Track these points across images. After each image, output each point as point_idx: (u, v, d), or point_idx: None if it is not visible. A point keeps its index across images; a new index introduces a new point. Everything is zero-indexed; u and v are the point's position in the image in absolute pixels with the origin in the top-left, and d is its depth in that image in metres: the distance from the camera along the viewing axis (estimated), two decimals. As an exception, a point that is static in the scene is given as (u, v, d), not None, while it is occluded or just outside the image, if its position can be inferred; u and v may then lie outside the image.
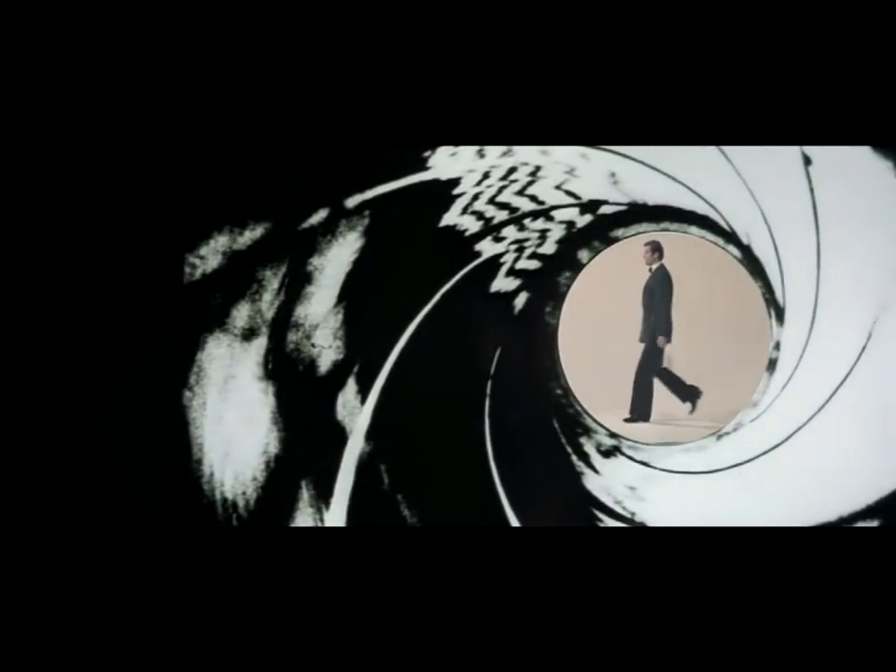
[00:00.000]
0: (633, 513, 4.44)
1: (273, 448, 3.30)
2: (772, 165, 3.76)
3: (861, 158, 3.23)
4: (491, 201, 4.14)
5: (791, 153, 3.59)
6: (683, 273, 7.69)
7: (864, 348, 3.68)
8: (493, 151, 3.76)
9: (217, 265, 3.06)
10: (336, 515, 3.48)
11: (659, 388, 7.76)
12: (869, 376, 3.69)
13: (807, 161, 3.60)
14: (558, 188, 4.40)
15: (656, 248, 7.60)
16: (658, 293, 7.52)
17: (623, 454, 5.18)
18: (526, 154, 3.92)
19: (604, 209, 4.87)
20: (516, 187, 4.19)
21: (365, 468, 3.63)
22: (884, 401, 3.59)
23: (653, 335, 7.59)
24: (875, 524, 3.46)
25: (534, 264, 5.00)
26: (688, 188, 4.48)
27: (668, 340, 7.50)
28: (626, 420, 7.50)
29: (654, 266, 7.64)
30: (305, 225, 3.28)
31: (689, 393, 7.63)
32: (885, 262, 3.52)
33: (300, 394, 3.42)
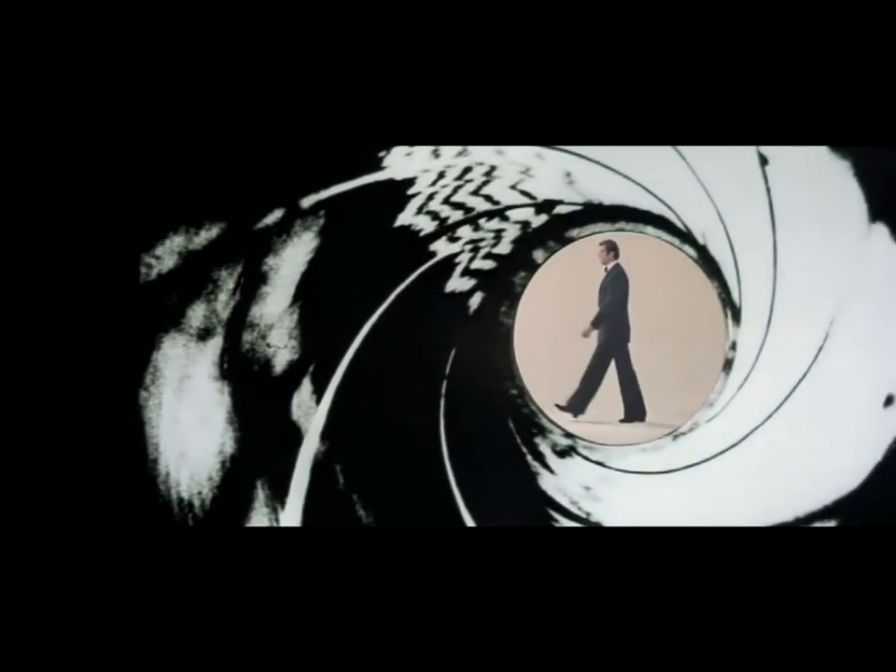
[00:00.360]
0: (588, 513, 4.43)
1: (229, 448, 3.31)
2: (728, 165, 3.78)
3: (817, 158, 3.30)
4: (446, 201, 4.14)
5: (748, 153, 3.62)
6: (639, 273, 7.72)
7: (821, 348, 3.72)
8: (448, 151, 3.76)
9: (173, 265, 3.07)
10: (291, 515, 3.49)
11: (611, 384, 7.77)
12: (825, 377, 3.73)
13: (764, 160, 3.64)
14: (513, 188, 4.39)
15: (611, 248, 7.60)
16: (612, 292, 7.52)
17: (578, 454, 5.16)
18: (481, 154, 3.92)
19: (559, 209, 4.84)
20: (471, 187, 4.19)
21: (320, 468, 3.64)
22: (840, 402, 3.64)
23: (611, 335, 7.60)
24: (832, 524, 3.51)
25: (489, 264, 4.97)
26: (643, 188, 4.49)
27: (594, 329, 7.54)
28: (622, 421, 7.57)
29: (610, 265, 7.65)
30: (260, 225, 3.29)
31: (636, 408, 7.63)
32: (842, 262, 3.58)
33: (255, 394, 3.43)
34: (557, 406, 7.43)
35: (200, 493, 3.23)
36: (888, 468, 3.39)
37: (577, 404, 7.61)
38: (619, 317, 7.51)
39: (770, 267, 4.03)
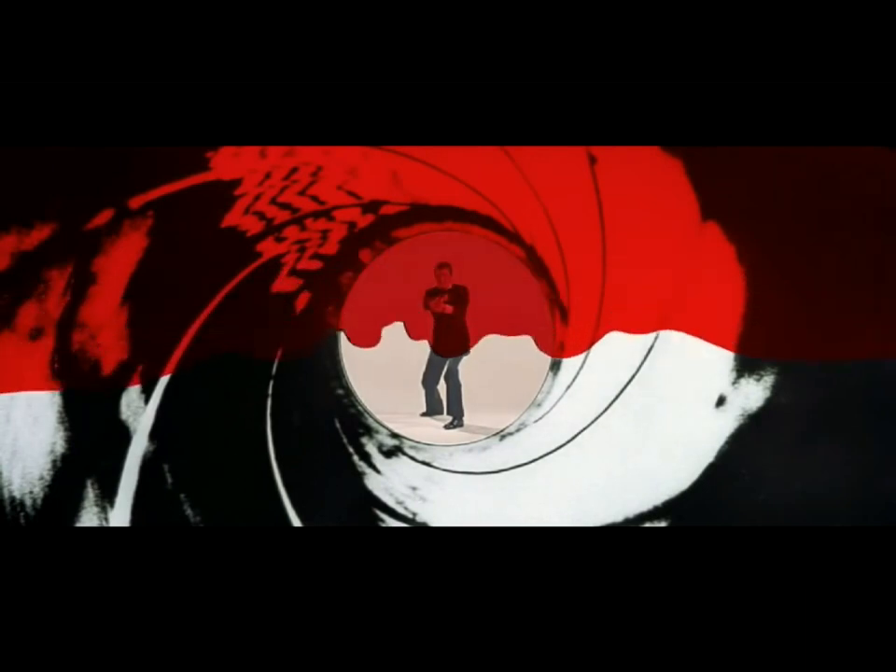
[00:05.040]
0: (415, 513, 4.53)
1: (60, 447, 3.45)
2: (556, 165, 3.98)
3: (648, 157, 3.52)
4: (273, 201, 4.28)
5: (576, 153, 3.83)
6: (466, 272, 7.76)
7: (651, 348, 3.98)
8: (275, 151, 3.92)
9: (4, 266, 3.22)
10: (121, 514, 3.62)
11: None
12: (656, 377, 3.98)
13: (593, 160, 3.86)
14: (340, 188, 4.56)
15: (444, 265, 7.41)
16: (459, 310, 7.42)
17: (404, 454, 5.27)
18: (308, 154, 4.09)
19: (386, 209, 5.02)
20: (298, 187, 4.34)
21: (148, 467, 3.77)
22: (671, 402, 3.88)
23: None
24: (662, 524, 3.72)
25: (316, 264, 5.12)
26: (471, 187, 4.66)
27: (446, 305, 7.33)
28: (447, 427, 7.50)
29: (451, 286, 7.46)
30: (90, 226, 3.42)
31: (457, 416, 7.61)
32: (672, 262, 3.82)
33: (85, 393, 3.54)
34: (421, 415, 7.64)
35: (31, 492, 3.37)
36: (719, 468, 3.63)
37: (433, 408, 7.77)
38: (460, 330, 7.47)
39: (599, 267, 4.28)
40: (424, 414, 7.74)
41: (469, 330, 7.48)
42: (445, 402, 7.70)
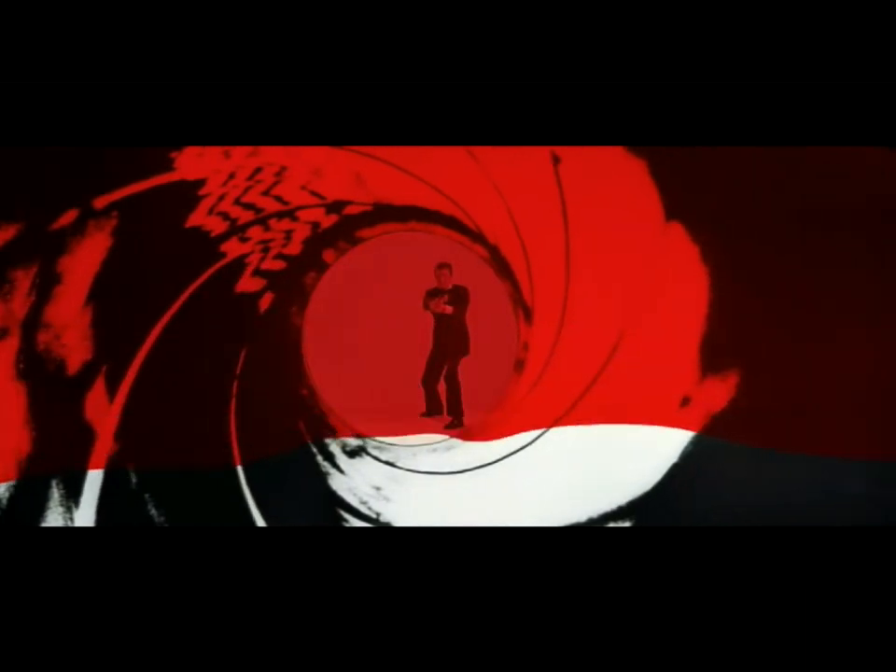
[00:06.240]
0: (378, 513, 4.58)
1: (25, 447, 3.46)
2: (520, 165, 4.03)
3: (612, 157, 3.55)
4: (237, 201, 4.32)
5: (540, 153, 3.87)
6: (429, 273, 7.79)
7: (615, 348, 4.03)
8: (239, 152, 3.96)
9: None
10: (86, 515, 3.65)
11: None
12: (620, 377, 4.03)
13: (557, 160, 3.90)
14: (303, 188, 4.62)
15: (444, 265, 7.34)
16: (459, 311, 7.41)
17: (368, 454, 5.34)
18: (272, 154, 4.13)
19: (349, 209, 5.09)
20: (262, 187, 4.39)
21: (113, 467, 3.79)
22: (635, 402, 3.93)
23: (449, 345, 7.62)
24: (627, 524, 3.77)
25: (279, 265, 5.15)
26: (434, 188, 4.75)
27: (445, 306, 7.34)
28: (447, 427, 7.39)
29: (451, 286, 7.42)
30: (55, 226, 3.44)
31: (457, 416, 7.60)
32: (636, 262, 3.87)
33: (50, 394, 3.56)
34: (421, 415, 7.64)
35: None
36: (684, 468, 3.68)
37: (433, 408, 7.79)
38: (459, 331, 7.61)
39: (563, 267, 4.33)
40: (424, 415, 7.75)
41: (469, 331, 7.51)
42: (445, 403, 7.74)
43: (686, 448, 3.70)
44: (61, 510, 3.60)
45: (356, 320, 8.54)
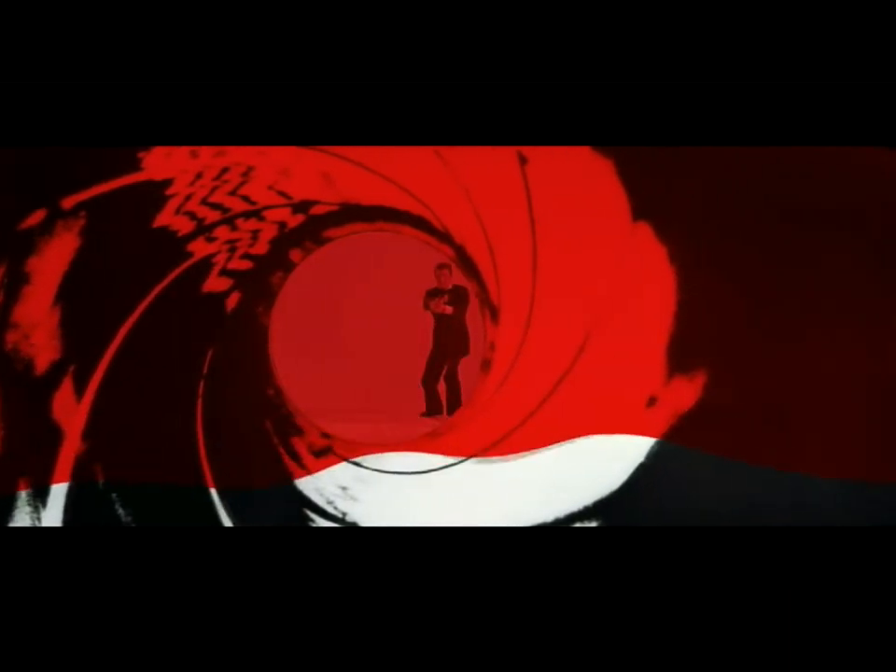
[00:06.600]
0: (344, 513, 4.56)
1: None
2: (487, 165, 4.02)
3: (579, 157, 3.59)
4: (204, 201, 4.30)
5: (507, 153, 3.86)
6: (395, 273, 7.81)
7: (582, 349, 4.03)
8: (206, 152, 3.95)
9: None
10: (53, 514, 3.64)
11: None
12: (587, 377, 4.03)
13: (523, 160, 3.89)
14: (271, 188, 4.57)
15: (444, 266, 7.14)
16: (459, 311, 7.27)
17: (335, 454, 5.20)
18: (239, 154, 4.10)
19: (316, 209, 4.99)
20: (229, 187, 4.37)
21: (81, 467, 3.79)
22: (602, 402, 3.94)
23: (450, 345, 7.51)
24: (593, 524, 3.77)
25: (246, 264, 5.08)
26: (402, 188, 4.67)
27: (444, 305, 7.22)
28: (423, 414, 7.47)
29: (451, 286, 7.24)
30: (23, 226, 3.46)
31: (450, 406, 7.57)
32: (603, 262, 3.89)
33: (18, 393, 3.58)
34: (421, 415, 7.52)
35: None
36: (650, 468, 3.72)
37: (433, 408, 7.65)
38: (460, 331, 7.42)
39: (529, 267, 4.30)
40: (424, 414, 7.60)
41: (469, 331, 7.44)
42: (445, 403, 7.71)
43: (653, 448, 3.75)
44: (28, 509, 3.60)
45: (324, 320, 8.39)
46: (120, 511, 3.90)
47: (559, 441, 4.09)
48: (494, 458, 4.48)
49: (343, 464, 5.16)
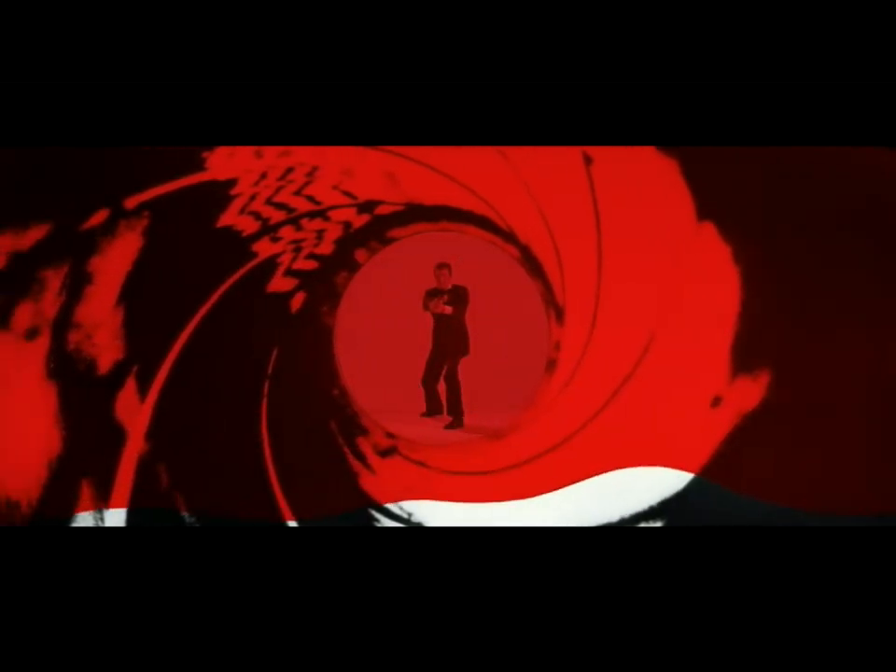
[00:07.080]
0: (410, 514, 4.51)
1: (56, 447, 3.48)
2: (552, 165, 4.02)
3: (644, 157, 3.55)
4: (268, 201, 4.33)
5: (572, 153, 3.87)
6: (461, 272, 7.77)
7: (647, 349, 3.98)
8: (270, 152, 3.96)
9: (0, 266, 3.28)
10: (116, 515, 3.66)
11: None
12: (651, 377, 3.98)
13: (588, 160, 3.89)
14: (335, 188, 4.60)
15: (443, 265, 7.26)
16: (459, 311, 7.33)
17: (400, 454, 5.28)
18: (304, 154, 4.13)
19: (381, 209, 5.04)
20: (293, 187, 4.39)
21: (145, 467, 3.80)
22: (666, 402, 3.89)
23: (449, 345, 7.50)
24: (658, 524, 3.74)
25: (311, 264, 5.15)
26: (466, 187, 4.70)
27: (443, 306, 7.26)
28: (447, 427, 7.36)
29: (450, 286, 7.31)
30: (86, 226, 3.47)
31: (457, 416, 7.53)
32: (667, 262, 3.84)
33: (81, 393, 3.58)
34: (421, 415, 7.60)
35: (27, 492, 3.41)
36: (715, 468, 3.66)
37: (433, 408, 7.70)
38: (459, 331, 7.53)
39: (594, 267, 4.28)
40: (424, 415, 7.68)
41: (468, 330, 7.44)
42: (445, 403, 7.69)
43: (718, 448, 3.70)
44: (91, 510, 3.61)
45: (389, 320, 8.45)
46: (185, 511, 3.90)
47: (624, 441, 4.05)
48: (559, 458, 4.45)
49: (409, 464, 5.21)
